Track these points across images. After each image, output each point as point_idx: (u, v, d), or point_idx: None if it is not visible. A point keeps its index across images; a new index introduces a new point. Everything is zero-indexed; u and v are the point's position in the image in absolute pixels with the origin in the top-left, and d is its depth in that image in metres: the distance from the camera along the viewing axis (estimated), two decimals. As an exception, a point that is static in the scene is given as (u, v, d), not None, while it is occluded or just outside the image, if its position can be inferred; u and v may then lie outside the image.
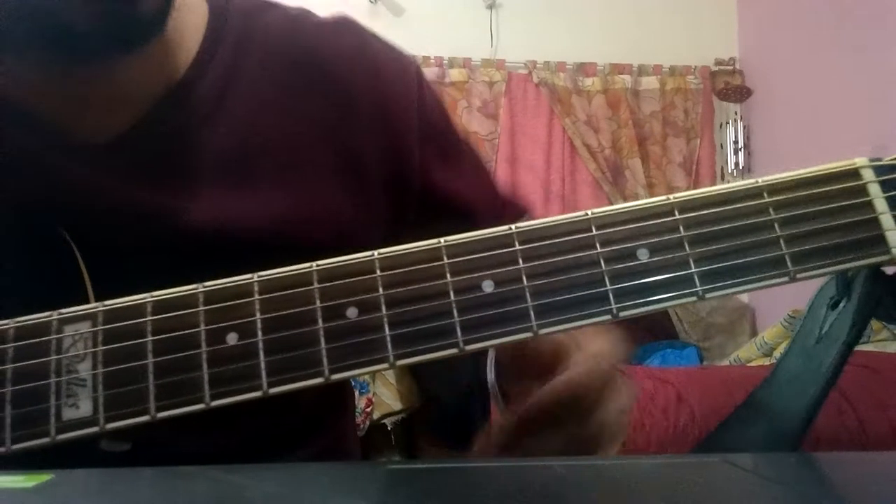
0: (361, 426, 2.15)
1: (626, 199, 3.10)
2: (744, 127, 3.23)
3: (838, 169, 0.34)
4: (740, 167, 3.21)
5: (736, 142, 3.22)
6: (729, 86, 3.20)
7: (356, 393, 2.14)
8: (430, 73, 3.08)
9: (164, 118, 0.50)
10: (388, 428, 2.23)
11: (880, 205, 0.34)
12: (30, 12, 0.39)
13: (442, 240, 0.34)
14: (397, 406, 2.22)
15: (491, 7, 3.19)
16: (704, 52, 3.30)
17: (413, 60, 0.61)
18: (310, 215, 0.52)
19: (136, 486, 0.29)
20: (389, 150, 0.56)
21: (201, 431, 0.40)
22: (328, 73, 0.55)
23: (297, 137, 0.53)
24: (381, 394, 2.24)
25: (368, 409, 2.19)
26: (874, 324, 2.01)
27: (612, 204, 3.34)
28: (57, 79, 0.46)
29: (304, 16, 0.58)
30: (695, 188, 0.36)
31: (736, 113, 3.24)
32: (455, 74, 3.13)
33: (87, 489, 0.30)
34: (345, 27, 0.59)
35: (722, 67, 3.29)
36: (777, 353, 2.42)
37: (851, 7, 2.58)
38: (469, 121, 3.11)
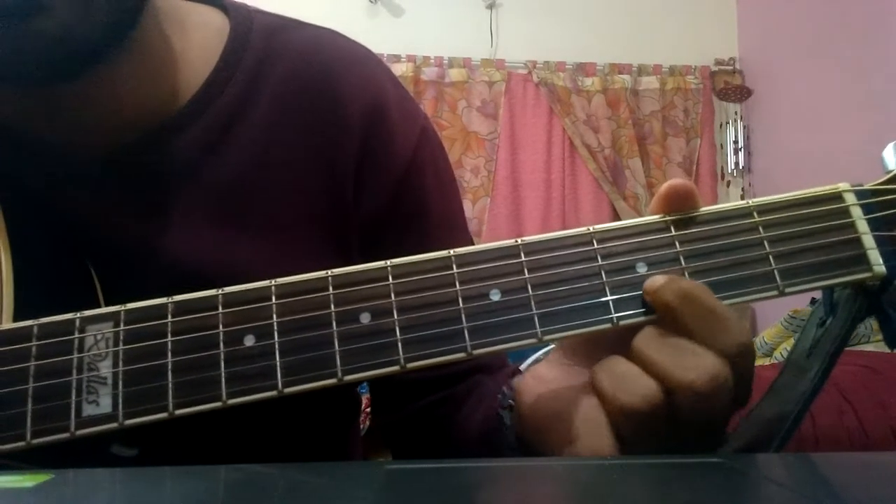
0: (361, 426, 2.14)
1: (626, 199, 3.11)
2: (744, 127, 3.23)
3: (823, 193, 0.36)
4: (740, 167, 3.22)
5: (736, 142, 3.22)
6: (729, 86, 3.20)
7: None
8: (430, 72, 3.09)
9: (165, 141, 0.48)
10: (389, 427, 2.24)
11: (862, 226, 0.36)
12: None
13: (452, 251, 0.35)
14: (397, 405, 2.21)
15: (491, 7, 3.19)
16: (704, 52, 3.30)
17: (423, 116, 0.58)
18: (294, 267, 0.45)
19: (135, 485, 0.29)
20: (370, 195, 0.53)
21: (208, 438, 0.41)
22: (337, 111, 0.52)
23: (296, 177, 0.51)
24: (382, 392, 2.24)
25: (368, 409, 2.19)
26: (874, 324, 2.01)
27: (611, 203, 3.30)
28: (34, 99, 0.45)
29: (326, 40, 0.55)
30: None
31: (736, 113, 3.24)
32: (455, 74, 3.13)
33: (87, 489, 0.29)
34: (365, 60, 0.56)
35: (722, 67, 3.29)
36: (777, 354, 2.42)
37: (851, 7, 2.59)
38: (469, 120, 3.12)
